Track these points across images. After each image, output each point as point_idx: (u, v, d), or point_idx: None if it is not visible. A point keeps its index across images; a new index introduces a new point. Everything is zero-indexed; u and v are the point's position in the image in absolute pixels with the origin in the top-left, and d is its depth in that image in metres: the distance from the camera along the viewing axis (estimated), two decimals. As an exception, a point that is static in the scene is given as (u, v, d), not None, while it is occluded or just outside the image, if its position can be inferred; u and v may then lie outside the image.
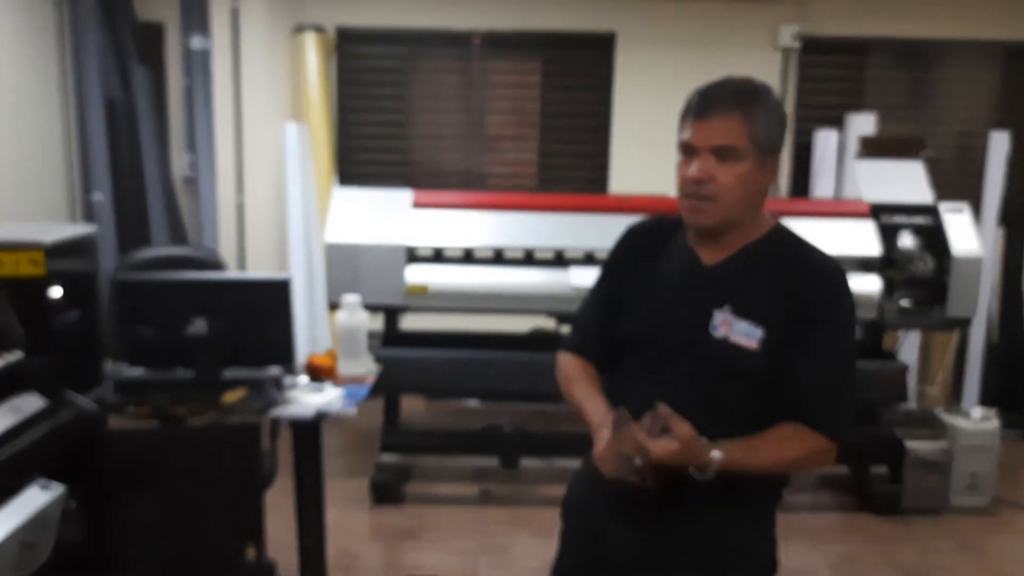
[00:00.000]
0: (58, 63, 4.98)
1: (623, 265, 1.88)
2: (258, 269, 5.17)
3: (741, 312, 1.68)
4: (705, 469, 1.61)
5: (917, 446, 4.04)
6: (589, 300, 1.94)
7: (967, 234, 4.02)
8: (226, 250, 5.18)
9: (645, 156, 5.21)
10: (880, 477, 4.14)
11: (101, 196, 5.08)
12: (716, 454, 1.60)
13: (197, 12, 5.19)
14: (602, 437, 1.68)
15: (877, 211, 4.08)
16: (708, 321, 1.70)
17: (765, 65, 5.33)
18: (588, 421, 1.77)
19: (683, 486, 1.64)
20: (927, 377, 5.14)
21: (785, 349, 1.66)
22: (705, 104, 1.67)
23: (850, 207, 4.16)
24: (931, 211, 4.09)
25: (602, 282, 1.93)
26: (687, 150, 1.69)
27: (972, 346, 5.14)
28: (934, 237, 4.02)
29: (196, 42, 5.21)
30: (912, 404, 4.82)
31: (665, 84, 5.17)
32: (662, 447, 1.57)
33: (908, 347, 4.86)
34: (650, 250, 1.84)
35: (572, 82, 5.54)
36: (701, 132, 1.66)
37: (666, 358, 1.73)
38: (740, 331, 1.67)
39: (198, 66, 5.23)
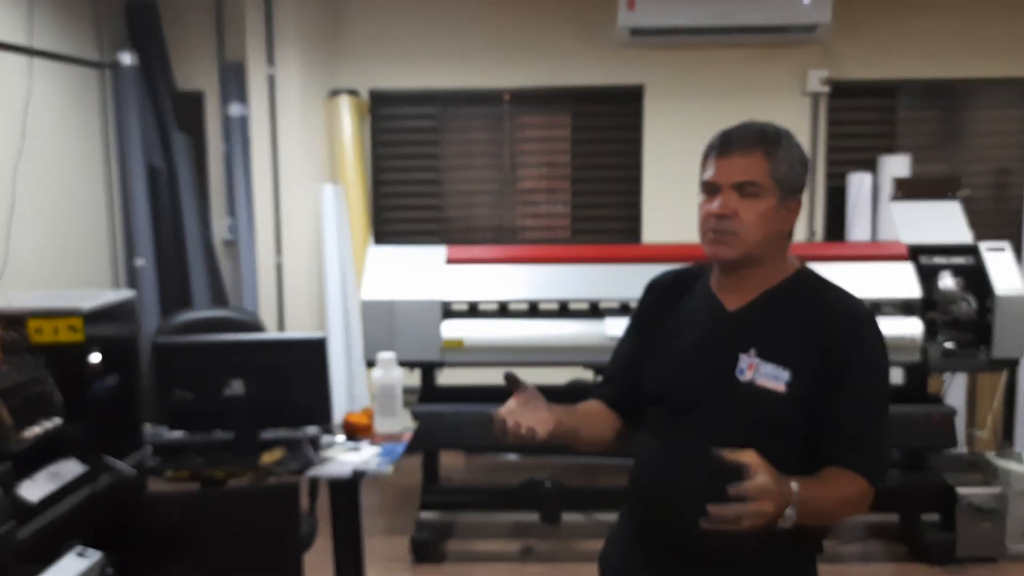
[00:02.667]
0: (101, 133, 5.14)
1: (647, 319, 1.89)
2: (297, 329, 5.22)
3: (767, 355, 1.67)
4: (788, 502, 1.50)
5: (969, 492, 3.93)
6: (614, 355, 1.95)
7: (1010, 273, 3.95)
8: (266, 311, 5.25)
9: (677, 205, 5.16)
10: (931, 525, 4.02)
11: (143, 261, 5.21)
12: (794, 485, 1.52)
13: (235, 81, 5.36)
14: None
15: (916, 253, 4.03)
16: (734, 366, 1.68)
17: (794, 110, 5.34)
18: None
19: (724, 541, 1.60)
20: (976, 421, 5.02)
21: (815, 394, 1.63)
22: (727, 142, 1.69)
23: (888, 249, 4.11)
24: (971, 251, 4.04)
25: (625, 339, 1.94)
26: (709, 188, 1.71)
27: (1021, 387, 5.01)
28: (975, 277, 3.95)
29: (234, 109, 5.37)
30: (961, 449, 4.70)
31: (695, 133, 5.10)
32: (757, 485, 1.45)
33: (955, 390, 4.75)
34: (673, 301, 1.85)
35: (602, 135, 5.59)
36: (723, 169, 1.68)
37: (693, 405, 1.72)
38: (766, 374, 1.65)
39: (237, 132, 5.39)
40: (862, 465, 1.63)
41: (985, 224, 5.31)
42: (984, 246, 4.04)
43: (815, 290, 1.74)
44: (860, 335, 1.67)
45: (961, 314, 3.90)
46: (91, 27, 5.02)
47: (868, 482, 1.63)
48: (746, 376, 1.67)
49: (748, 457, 1.49)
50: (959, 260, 4.00)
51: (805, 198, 5.42)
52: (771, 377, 1.65)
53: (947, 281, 3.92)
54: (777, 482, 1.48)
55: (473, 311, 4.08)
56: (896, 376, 4.34)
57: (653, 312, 1.88)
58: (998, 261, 3.99)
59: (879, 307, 4.01)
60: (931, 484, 4.03)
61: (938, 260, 4.00)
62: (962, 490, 3.93)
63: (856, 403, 1.64)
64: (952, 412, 3.94)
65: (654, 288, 1.92)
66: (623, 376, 1.89)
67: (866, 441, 1.64)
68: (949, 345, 3.90)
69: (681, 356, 1.77)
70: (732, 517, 1.46)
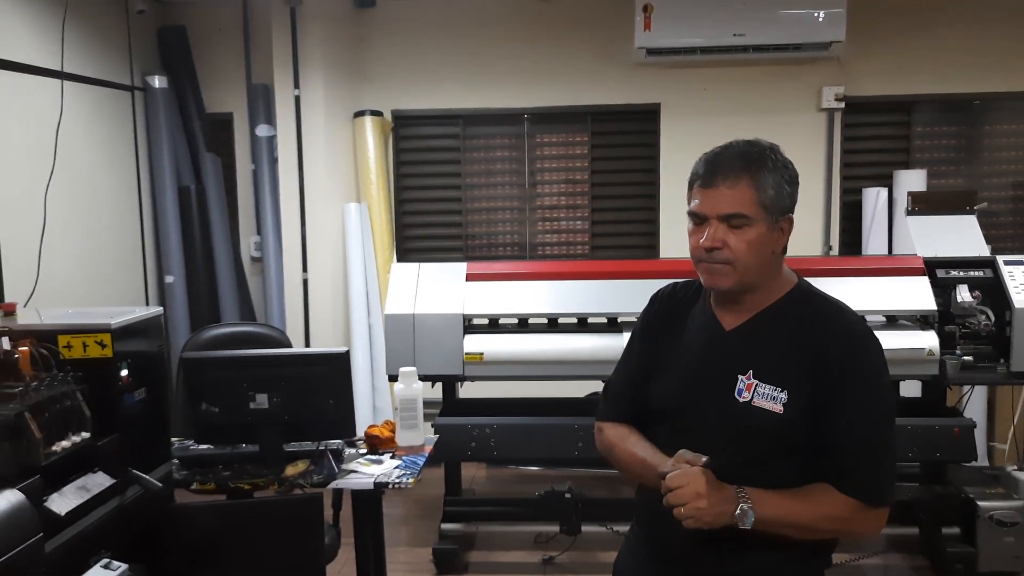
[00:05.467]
0: (132, 154, 5.26)
1: (650, 334, 1.88)
2: (323, 343, 5.29)
3: (764, 376, 1.66)
4: (737, 506, 1.58)
5: (990, 505, 3.91)
6: (619, 369, 1.94)
7: (1028, 286, 3.94)
8: (293, 326, 5.35)
9: (694, 221, 5.20)
10: (952, 539, 4.00)
11: (173, 278, 5.33)
12: (742, 491, 1.59)
13: (263, 103, 5.49)
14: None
15: (932, 266, 4.03)
16: (733, 386, 1.68)
17: (809, 127, 5.36)
18: (650, 465, 1.72)
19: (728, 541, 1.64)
20: (996, 434, 4.99)
21: (814, 413, 1.63)
22: (711, 172, 1.66)
23: (905, 263, 4.11)
24: (988, 264, 4.03)
25: (631, 351, 1.92)
26: (696, 218, 1.69)
27: (1042, 401, 4.98)
28: (993, 290, 3.95)
29: (262, 130, 5.49)
30: (982, 462, 4.67)
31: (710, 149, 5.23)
32: (678, 474, 1.61)
33: (974, 404, 4.73)
34: (674, 317, 1.85)
35: (620, 152, 5.63)
36: (709, 201, 1.66)
37: (694, 425, 1.72)
38: (764, 395, 1.65)
39: (264, 152, 5.51)
40: (850, 485, 1.62)
41: (1002, 237, 5.31)
42: (1002, 259, 4.03)
43: (812, 307, 1.72)
44: (857, 352, 1.65)
45: (979, 327, 3.91)
46: (124, 51, 5.15)
47: (861, 501, 1.62)
48: (744, 397, 1.67)
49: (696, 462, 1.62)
50: (976, 273, 3.99)
51: (821, 212, 5.41)
52: (769, 398, 1.65)
53: (964, 294, 3.92)
54: (713, 486, 1.58)
55: (493, 326, 4.13)
56: (914, 389, 4.33)
57: (656, 327, 1.87)
58: (1016, 274, 3.98)
59: (896, 320, 4.02)
60: (951, 497, 4.01)
61: (955, 273, 3.99)
62: (983, 503, 3.91)
63: (853, 422, 1.62)
64: (972, 425, 3.92)
65: (657, 302, 1.91)
66: (629, 393, 1.88)
67: (859, 461, 1.63)
68: (967, 358, 3.89)
69: (683, 374, 1.77)
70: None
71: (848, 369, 1.63)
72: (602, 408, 1.95)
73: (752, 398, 1.67)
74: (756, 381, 1.67)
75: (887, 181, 5.30)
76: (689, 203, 1.72)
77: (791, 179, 1.70)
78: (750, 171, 1.65)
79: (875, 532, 1.68)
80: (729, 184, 1.64)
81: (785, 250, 1.75)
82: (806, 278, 1.81)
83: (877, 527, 1.67)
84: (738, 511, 1.58)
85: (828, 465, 1.64)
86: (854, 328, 1.68)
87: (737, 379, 1.69)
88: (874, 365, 1.66)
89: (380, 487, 2.84)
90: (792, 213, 1.72)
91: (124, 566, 2.14)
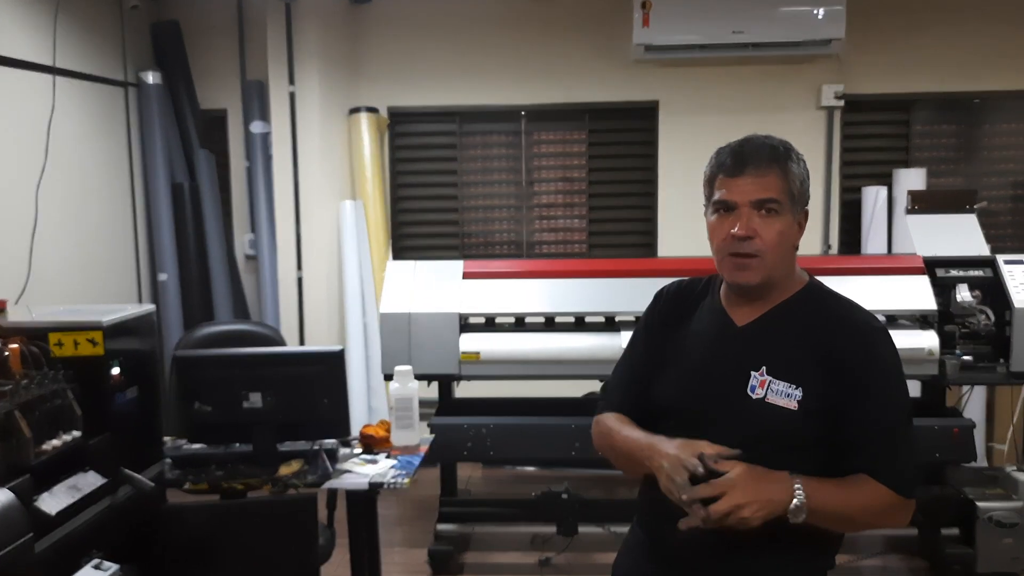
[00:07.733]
0: (125, 150, 5.23)
1: (655, 331, 1.86)
2: (317, 342, 5.26)
3: (777, 373, 1.65)
4: (784, 495, 1.55)
5: (989, 506, 3.90)
6: (621, 365, 1.92)
7: (1028, 286, 3.93)
8: (287, 324, 5.31)
9: (692, 219, 5.15)
10: (951, 540, 4.00)
11: (166, 276, 5.30)
12: (796, 480, 1.56)
13: (257, 99, 5.46)
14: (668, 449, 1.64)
15: (932, 265, 4.02)
16: (745, 383, 1.67)
17: (809, 125, 5.35)
18: (643, 449, 1.70)
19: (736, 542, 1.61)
20: (995, 434, 4.98)
21: (830, 410, 1.62)
22: (739, 161, 1.65)
23: (904, 262, 4.10)
24: (988, 263, 4.02)
25: (634, 347, 1.90)
26: (724, 208, 1.68)
27: (1041, 401, 4.98)
28: (993, 290, 3.93)
29: (256, 127, 5.46)
30: (981, 463, 4.66)
31: (710, 148, 5.07)
32: (718, 483, 1.55)
33: (973, 404, 4.72)
34: (681, 314, 1.83)
35: (618, 150, 5.61)
36: (739, 188, 1.65)
37: (704, 422, 1.69)
38: (778, 392, 1.64)
39: (258, 149, 5.47)
40: (886, 476, 1.61)
41: (1002, 237, 5.31)
42: (1001, 259, 4.02)
43: (825, 304, 1.72)
44: (873, 349, 1.65)
45: (978, 327, 3.89)
46: (117, 47, 5.12)
47: (895, 492, 1.61)
48: (757, 394, 1.66)
49: (730, 466, 1.57)
50: (976, 273, 3.98)
51: (820, 211, 5.42)
52: (783, 395, 1.64)
53: (964, 294, 3.90)
54: (761, 478, 1.56)
55: (490, 324, 4.11)
56: (914, 389, 4.32)
57: (662, 323, 1.85)
58: (1016, 273, 3.96)
59: (895, 320, 4.00)
60: (950, 498, 4.00)
61: (955, 273, 3.98)
62: (982, 504, 3.91)
63: (877, 416, 1.62)
64: (971, 425, 3.91)
65: (663, 298, 1.90)
66: (632, 389, 1.86)
67: (889, 453, 1.62)
68: (967, 358, 3.88)
69: (692, 370, 1.75)
70: (701, 517, 1.55)
71: (867, 366, 1.63)
72: (602, 404, 1.91)
73: (766, 395, 1.65)
74: (770, 378, 1.66)
75: (887, 180, 5.29)
76: (711, 195, 1.70)
77: (807, 173, 1.72)
78: (778, 161, 1.66)
79: (904, 524, 1.66)
80: (761, 172, 1.64)
81: (797, 246, 1.74)
82: (810, 277, 1.81)
83: (907, 519, 1.66)
84: (792, 506, 1.55)
85: (858, 461, 1.62)
86: (868, 325, 1.68)
87: (750, 375, 1.67)
88: (891, 361, 1.66)
89: (375, 487, 2.82)
90: (807, 208, 1.73)
91: (115, 567, 2.13)
